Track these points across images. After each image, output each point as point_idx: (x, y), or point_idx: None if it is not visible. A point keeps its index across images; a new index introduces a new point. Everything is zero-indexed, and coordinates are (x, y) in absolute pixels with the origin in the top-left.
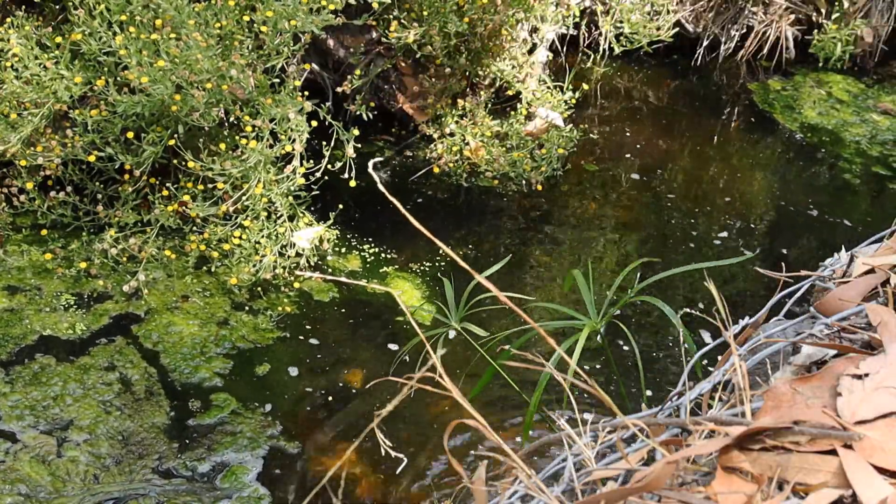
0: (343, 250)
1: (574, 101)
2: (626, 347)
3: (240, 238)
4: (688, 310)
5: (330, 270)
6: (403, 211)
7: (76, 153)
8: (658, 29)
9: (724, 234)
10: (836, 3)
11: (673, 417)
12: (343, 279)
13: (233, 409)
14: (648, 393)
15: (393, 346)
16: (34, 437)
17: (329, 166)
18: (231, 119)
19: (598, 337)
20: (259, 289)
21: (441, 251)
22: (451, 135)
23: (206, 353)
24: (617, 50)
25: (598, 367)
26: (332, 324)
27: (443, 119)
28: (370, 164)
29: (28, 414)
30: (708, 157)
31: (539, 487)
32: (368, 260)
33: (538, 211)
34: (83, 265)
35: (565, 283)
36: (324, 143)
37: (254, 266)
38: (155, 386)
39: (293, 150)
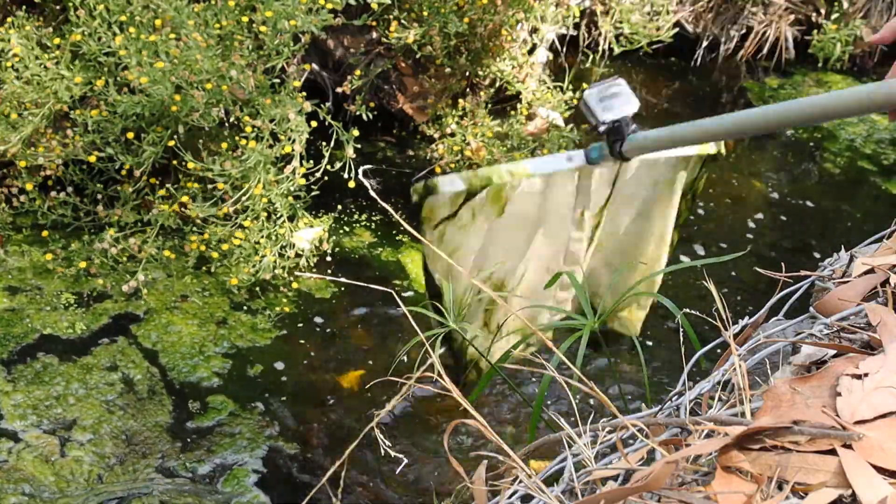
0: (347, 229)
1: (574, 100)
2: (622, 348)
3: (240, 238)
4: (687, 309)
5: (339, 251)
6: (397, 216)
7: (76, 153)
8: (658, 29)
9: (723, 232)
10: (836, 4)
11: (673, 417)
12: (342, 279)
13: (231, 410)
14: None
15: (393, 345)
16: (37, 436)
17: (329, 166)
18: (231, 119)
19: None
20: (258, 289)
21: None
22: (452, 135)
23: (204, 353)
24: (617, 50)
25: (595, 367)
26: (332, 323)
27: (443, 119)
28: (360, 170)
29: (31, 413)
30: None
31: (539, 487)
32: (378, 232)
33: None
34: (83, 265)
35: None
36: (324, 143)
37: (253, 266)
38: (157, 385)
39: (293, 150)
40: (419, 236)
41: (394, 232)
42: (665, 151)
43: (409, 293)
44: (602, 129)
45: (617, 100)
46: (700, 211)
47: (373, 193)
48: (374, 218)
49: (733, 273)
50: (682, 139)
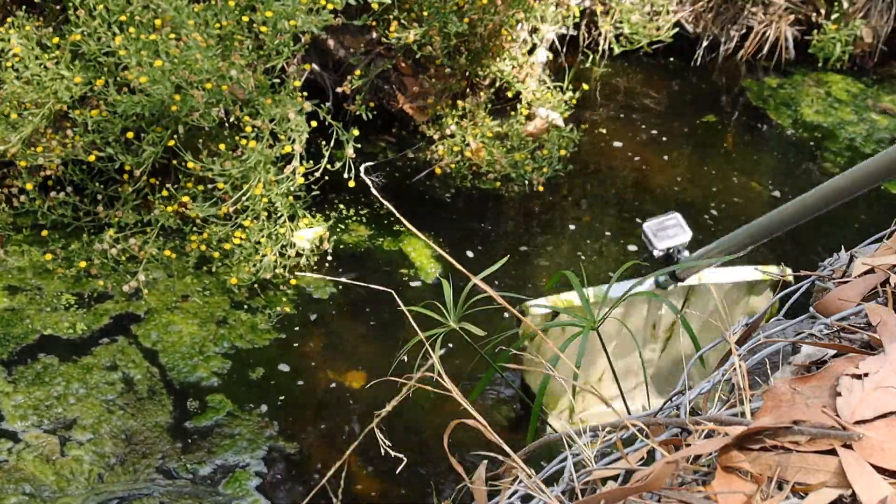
0: (343, 226)
1: (574, 101)
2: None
3: (240, 238)
4: (688, 310)
5: (341, 248)
6: (399, 216)
7: (76, 153)
8: (658, 29)
9: (724, 232)
10: (836, 4)
11: (673, 417)
12: (343, 279)
13: (230, 410)
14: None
15: (393, 345)
16: (38, 436)
17: (329, 166)
18: (231, 119)
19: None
20: (258, 287)
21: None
22: (452, 136)
23: (204, 353)
24: (617, 50)
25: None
26: (331, 322)
27: (443, 119)
28: (362, 168)
29: (31, 413)
30: (705, 155)
31: (539, 487)
32: (372, 224)
33: (540, 211)
34: (83, 265)
35: (549, 283)
36: (324, 143)
37: (254, 266)
38: (157, 385)
39: (293, 150)
40: (422, 236)
41: (386, 222)
42: (731, 277)
43: (416, 283)
44: (657, 254)
45: (669, 231)
46: (700, 209)
47: (374, 191)
48: (361, 211)
49: None
50: (726, 248)
